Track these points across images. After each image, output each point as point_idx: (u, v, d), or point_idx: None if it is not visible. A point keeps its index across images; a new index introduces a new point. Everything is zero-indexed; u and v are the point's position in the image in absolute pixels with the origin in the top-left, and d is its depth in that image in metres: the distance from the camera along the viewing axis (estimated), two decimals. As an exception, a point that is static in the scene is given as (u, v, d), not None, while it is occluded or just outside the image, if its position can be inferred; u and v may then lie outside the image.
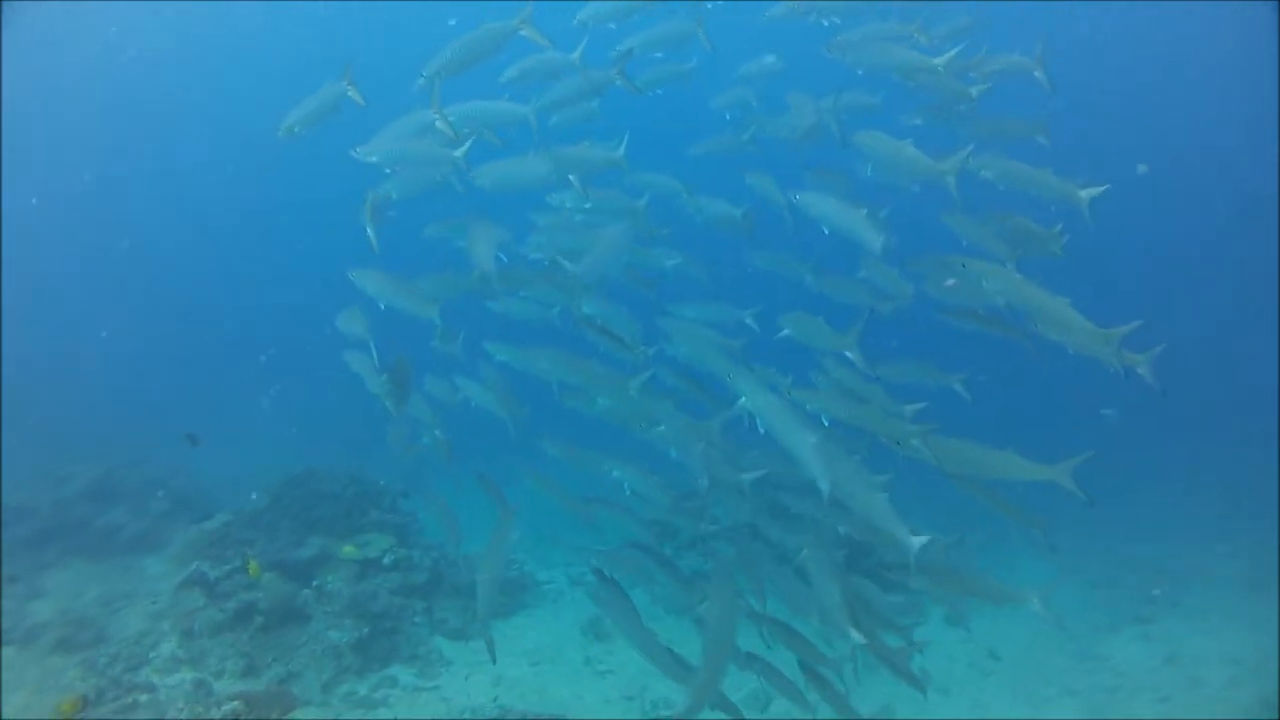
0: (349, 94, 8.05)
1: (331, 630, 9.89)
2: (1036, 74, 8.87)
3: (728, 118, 10.32)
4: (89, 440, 15.90)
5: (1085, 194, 7.90)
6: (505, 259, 8.46)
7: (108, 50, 34.38)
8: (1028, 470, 6.65)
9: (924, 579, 7.24)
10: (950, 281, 7.95)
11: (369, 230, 8.11)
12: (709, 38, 9.34)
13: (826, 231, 8.01)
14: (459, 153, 7.67)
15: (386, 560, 10.86)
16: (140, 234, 32.63)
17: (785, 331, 8.43)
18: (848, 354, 7.84)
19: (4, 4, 18.72)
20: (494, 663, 7.85)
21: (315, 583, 10.42)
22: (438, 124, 7.74)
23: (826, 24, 9.41)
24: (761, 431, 6.75)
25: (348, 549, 10.78)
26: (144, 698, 8.86)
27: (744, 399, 6.76)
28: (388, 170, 7.99)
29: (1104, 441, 7.10)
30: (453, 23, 8.54)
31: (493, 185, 8.03)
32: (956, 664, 11.02)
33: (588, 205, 8.76)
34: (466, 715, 9.09)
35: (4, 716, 8.70)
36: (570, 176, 7.94)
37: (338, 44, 32.46)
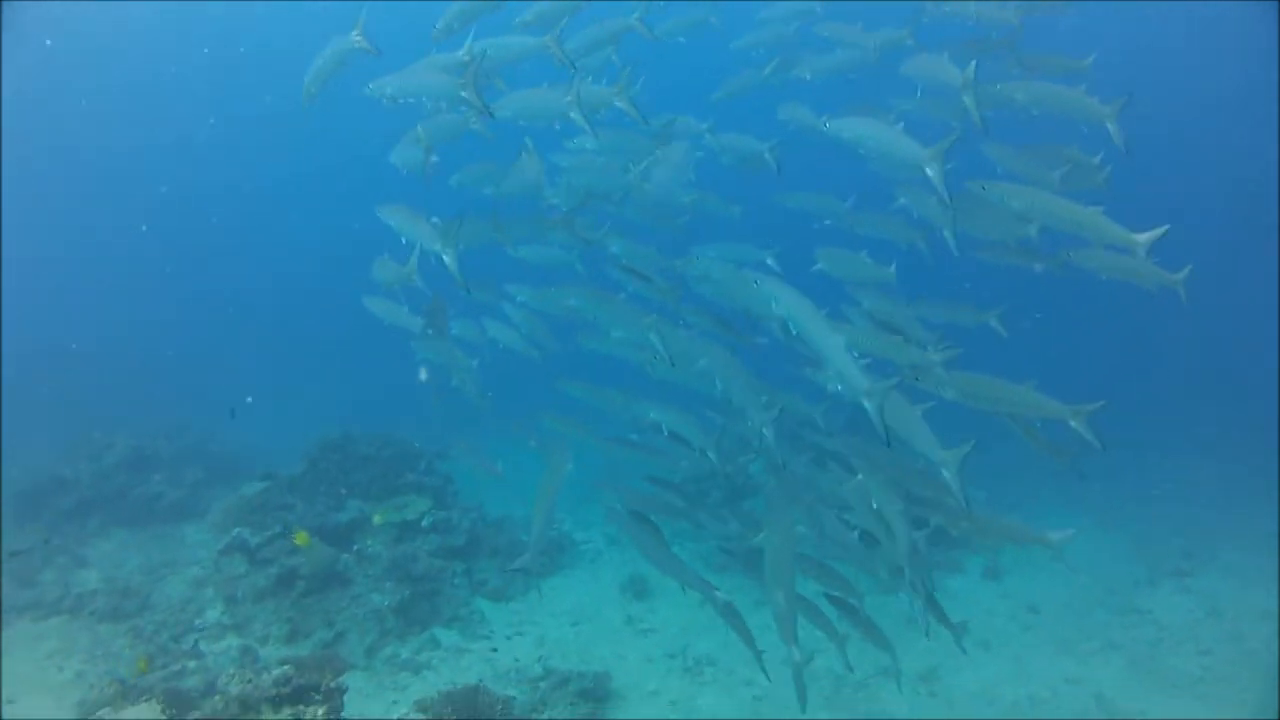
0: (358, 44, 7.92)
1: (373, 593, 9.95)
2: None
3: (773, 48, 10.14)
4: (124, 409, 16.02)
5: (1112, 108, 7.83)
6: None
7: (109, 49, 34.18)
8: (1045, 407, 6.63)
9: (943, 516, 7.24)
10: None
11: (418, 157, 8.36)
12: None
13: (861, 152, 7.86)
14: (466, 77, 7.50)
15: (425, 522, 10.92)
16: (163, 213, 32.57)
17: (819, 266, 8.36)
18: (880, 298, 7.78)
19: (3, 4, 18.63)
20: (539, 595, 7.83)
21: (355, 547, 10.48)
22: (461, 57, 7.65)
23: None
24: (794, 333, 6.74)
25: (377, 517, 10.81)
26: (192, 664, 8.96)
27: (775, 304, 6.68)
28: (400, 101, 7.87)
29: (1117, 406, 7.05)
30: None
31: (513, 115, 8.00)
32: (996, 618, 11.00)
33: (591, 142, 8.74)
34: (512, 675, 9.15)
35: (60, 682, 8.85)
36: (575, 114, 7.79)
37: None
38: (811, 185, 9.69)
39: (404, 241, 8.46)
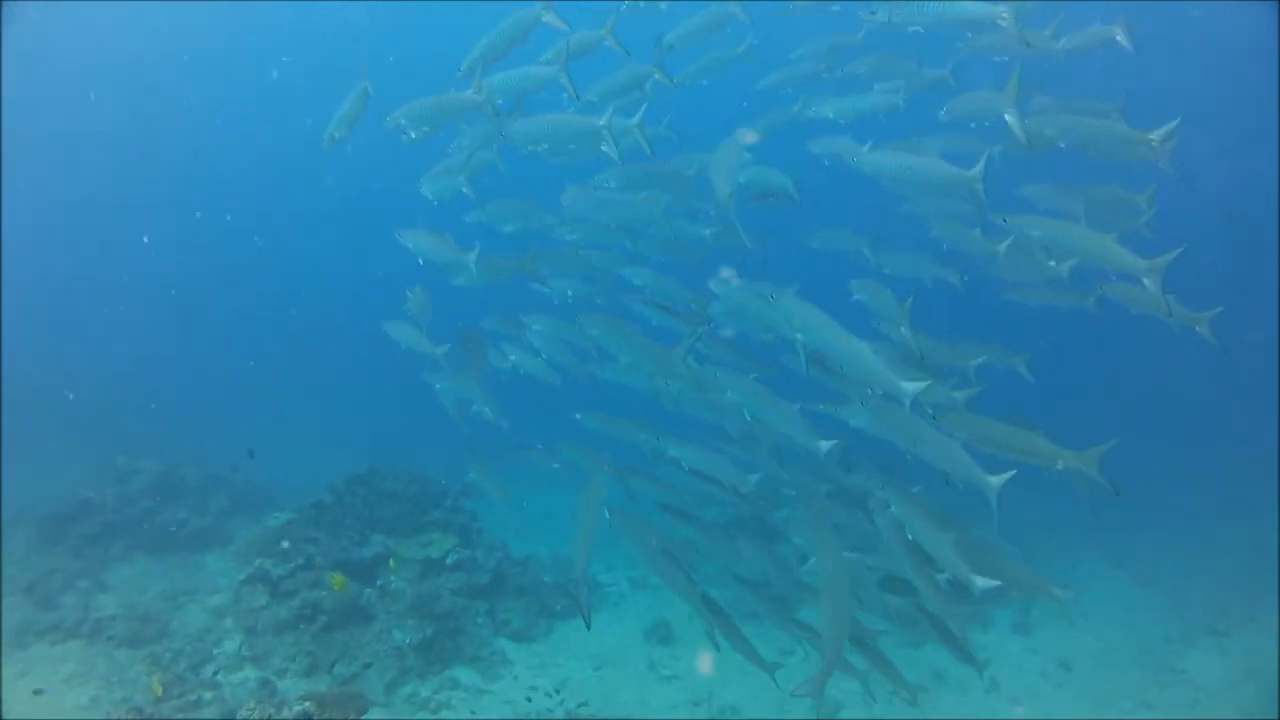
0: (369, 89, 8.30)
1: (395, 630, 9.83)
2: (1119, 38, 8.32)
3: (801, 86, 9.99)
4: (152, 435, 16.02)
5: (1157, 136, 7.52)
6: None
7: (110, 50, 34.44)
8: (1053, 454, 6.47)
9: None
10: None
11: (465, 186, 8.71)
12: (751, 22, 9.15)
13: (894, 185, 7.80)
14: (476, 92, 7.71)
15: (449, 560, 10.78)
16: (191, 236, 32.65)
17: (856, 297, 8.28)
18: (902, 330, 7.62)
19: (3, 4, 18.88)
20: (588, 627, 7.71)
21: (379, 582, 10.36)
22: (471, 94, 7.85)
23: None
24: (813, 349, 6.79)
25: (393, 561, 10.65)
26: (209, 695, 8.86)
27: (791, 320, 6.63)
28: (413, 135, 8.11)
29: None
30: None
31: (523, 140, 8.18)
32: (1027, 674, 10.75)
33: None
34: (533, 718, 8.99)
35: (77, 705, 8.78)
36: (606, 143, 7.83)
37: (347, 44, 32.36)
38: (840, 221, 9.65)
39: (420, 262, 8.64)
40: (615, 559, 13.02)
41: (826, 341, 6.45)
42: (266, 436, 16.77)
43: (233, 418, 19.72)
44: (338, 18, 33.60)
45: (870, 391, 6.86)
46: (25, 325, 22.06)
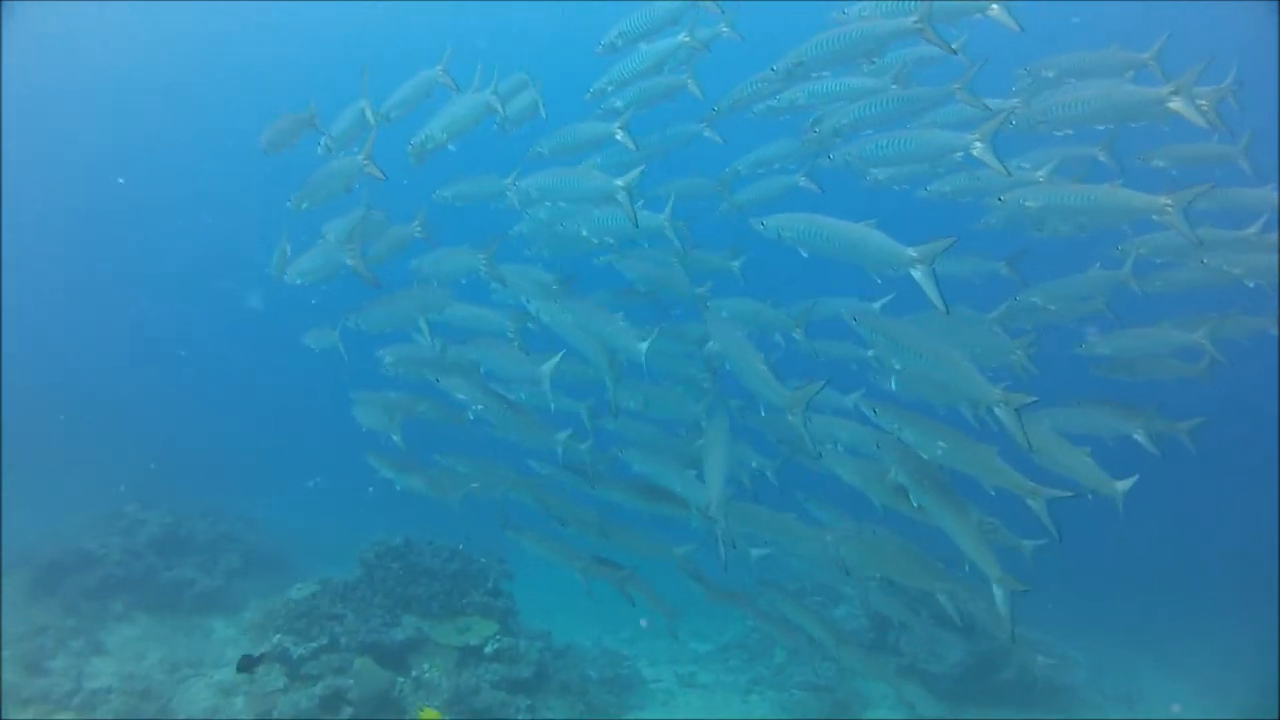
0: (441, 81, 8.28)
1: (428, 729, 8.73)
2: (1242, 165, 8.26)
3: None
4: (162, 484, 14.97)
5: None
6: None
7: (110, 50, 33.96)
8: (1007, 478, 5.85)
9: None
10: None
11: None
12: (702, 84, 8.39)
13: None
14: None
15: (488, 649, 9.70)
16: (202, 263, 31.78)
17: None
18: None
19: (3, 4, 18.51)
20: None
21: (414, 672, 9.27)
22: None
23: None
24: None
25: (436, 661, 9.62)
26: (214, 792, 7.81)
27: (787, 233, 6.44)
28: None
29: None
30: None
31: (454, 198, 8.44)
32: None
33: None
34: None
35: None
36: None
37: (350, 44, 31.92)
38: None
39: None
40: (660, 652, 11.92)
41: (831, 238, 6.25)
42: (285, 492, 15.80)
43: (253, 468, 18.66)
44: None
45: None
46: (33, 352, 21.16)
